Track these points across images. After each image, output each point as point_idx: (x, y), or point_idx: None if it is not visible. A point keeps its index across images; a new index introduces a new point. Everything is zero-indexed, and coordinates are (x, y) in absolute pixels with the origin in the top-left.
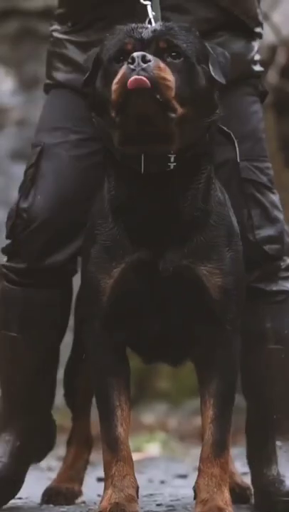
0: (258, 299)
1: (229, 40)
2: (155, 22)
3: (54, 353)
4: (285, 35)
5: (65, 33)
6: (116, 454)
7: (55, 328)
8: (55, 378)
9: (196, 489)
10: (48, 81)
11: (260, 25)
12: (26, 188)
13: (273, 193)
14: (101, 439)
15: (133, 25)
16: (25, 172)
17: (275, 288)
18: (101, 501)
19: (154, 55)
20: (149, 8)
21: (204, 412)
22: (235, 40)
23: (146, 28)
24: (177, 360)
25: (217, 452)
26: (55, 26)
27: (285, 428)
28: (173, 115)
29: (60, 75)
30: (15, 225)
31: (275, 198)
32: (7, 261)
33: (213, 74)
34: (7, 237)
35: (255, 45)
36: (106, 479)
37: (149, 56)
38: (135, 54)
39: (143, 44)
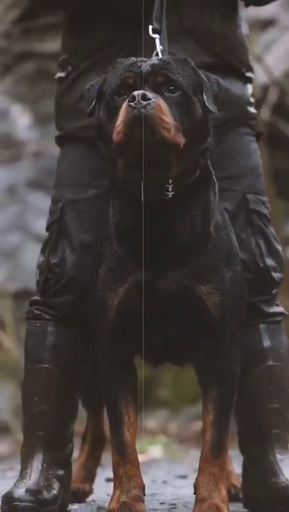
0: (258, 319)
1: (228, 83)
2: (162, 55)
3: (78, 387)
4: (277, 76)
5: (66, 78)
6: (124, 457)
7: (82, 362)
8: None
9: (195, 486)
10: (59, 132)
11: (251, 70)
12: (54, 243)
13: (271, 225)
14: (110, 443)
15: (133, 59)
16: (49, 227)
17: (273, 310)
18: (110, 501)
19: (153, 89)
20: (157, 41)
21: (205, 416)
22: (233, 83)
23: (145, 61)
24: (182, 363)
25: (216, 453)
26: (59, 74)
27: (284, 442)
28: (174, 149)
29: (68, 125)
30: (48, 279)
31: (273, 230)
32: (41, 303)
33: (207, 104)
34: (39, 292)
35: (250, 88)
36: (114, 480)
37: (149, 95)
38: (136, 93)
39: (142, 78)
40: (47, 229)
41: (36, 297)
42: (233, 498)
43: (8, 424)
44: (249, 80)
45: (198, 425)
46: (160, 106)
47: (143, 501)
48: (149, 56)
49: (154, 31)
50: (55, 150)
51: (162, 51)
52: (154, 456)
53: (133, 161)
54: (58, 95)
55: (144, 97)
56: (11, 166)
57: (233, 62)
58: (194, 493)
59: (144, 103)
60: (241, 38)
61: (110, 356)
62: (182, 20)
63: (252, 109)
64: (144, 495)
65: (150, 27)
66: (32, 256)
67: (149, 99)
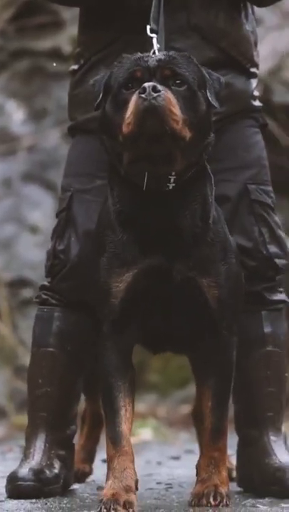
0: (260, 306)
1: (232, 78)
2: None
3: (83, 371)
4: (261, 74)
5: (78, 70)
6: (118, 449)
7: (87, 348)
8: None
9: (197, 468)
10: (71, 123)
11: (255, 65)
12: (61, 230)
13: (275, 214)
14: (106, 434)
15: (139, 54)
16: (58, 215)
17: (275, 297)
18: (103, 491)
19: (160, 82)
20: (154, 40)
21: (204, 402)
22: (236, 78)
23: (152, 57)
24: (181, 351)
25: (216, 438)
26: (72, 66)
27: (278, 424)
28: (181, 142)
29: (79, 116)
30: (53, 265)
31: (277, 218)
32: (48, 288)
33: (210, 99)
34: (46, 276)
35: (254, 82)
36: (108, 471)
37: (159, 87)
38: (146, 84)
39: (150, 72)
40: (56, 216)
41: (45, 282)
42: None
43: (4, 408)
44: (253, 75)
45: (186, 409)
46: (170, 98)
47: (134, 492)
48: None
49: (152, 31)
50: (49, 144)
51: (159, 50)
52: (145, 438)
53: (140, 154)
54: (70, 87)
55: (154, 89)
56: (6, 160)
57: (238, 58)
58: (196, 475)
59: (155, 95)
60: (246, 33)
61: (112, 345)
62: (188, 17)
63: (256, 103)
64: (137, 488)
65: (148, 27)
66: (27, 246)
67: (159, 91)
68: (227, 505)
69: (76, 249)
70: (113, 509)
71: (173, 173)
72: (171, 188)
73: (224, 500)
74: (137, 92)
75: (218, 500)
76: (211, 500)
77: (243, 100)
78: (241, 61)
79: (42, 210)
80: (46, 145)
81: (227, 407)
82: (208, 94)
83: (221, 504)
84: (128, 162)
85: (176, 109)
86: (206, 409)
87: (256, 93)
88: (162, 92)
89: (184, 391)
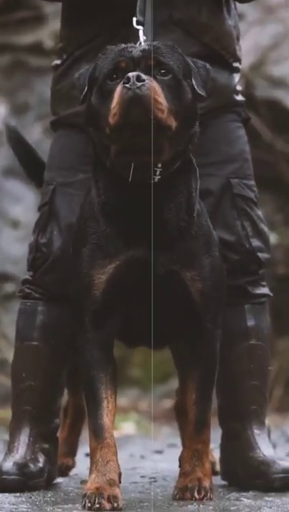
0: (243, 300)
1: (215, 72)
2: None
3: (66, 364)
4: (243, 69)
5: (61, 65)
6: (101, 442)
7: (71, 341)
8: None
9: (180, 460)
10: (53, 117)
11: (238, 60)
12: (43, 224)
13: (258, 208)
14: (88, 427)
15: (123, 45)
16: (40, 208)
17: (258, 291)
18: (86, 485)
19: (145, 72)
20: (140, 32)
21: (187, 395)
22: (219, 73)
23: (136, 47)
24: (159, 346)
25: (199, 430)
26: (55, 61)
27: (262, 418)
28: (167, 132)
29: (62, 111)
30: (36, 258)
31: (260, 212)
32: (31, 282)
33: (196, 87)
34: (28, 270)
35: (236, 77)
36: (91, 464)
37: (144, 76)
38: (130, 74)
39: (134, 62)
40: (38, 210)
41: (27, 276)
42: None
43: None
44: (236, 70)
45: (167, 403)
46: (154, 87)
47: (118, 486)
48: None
49: (138, 23)
50: (31, 139)
51: (145, 42)
52: (128, 432)
53: (127, 146)
54: (53, 82)
55: (138, 78)
56: None
57: (220, 52)
58: (179, 467)
59: (139, 84)
60: (229, 28)
61: (93, 338)
62: (171, 12)
63: (239, 97)
64: (120, 481)
65: (134, 19)
66: (8, 241)
67: (144, 81)
68: (211, 498)
69: (59, 243)
70: (98, 503)
71: (159, 165)
72: (156, 180)
73: (208, 495)
74: (122, 82)
75: (202, 494)
76: (196, 494)
77: (226, 95)
78: (224, 56)
79: (23, 205)
80: (28, 140)
81: (211, 399)
82: (194, 82)
83: (205, 498)
84: (115, 154)
85: (161, 98)
86: (189, 402)
87: (239, 87)
88: (147, 81)
89: (166, 386)
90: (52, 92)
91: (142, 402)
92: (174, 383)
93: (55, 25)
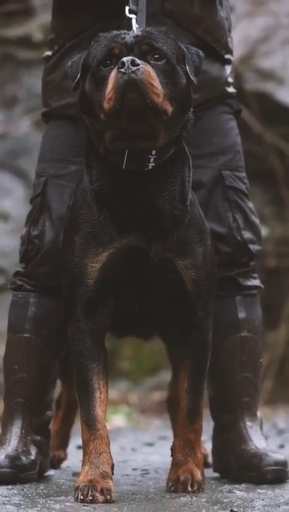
0: (235, 292)
1: (207, 64)
2: None
3: (59, 356)
4: (233, 61)
5: (52, 56)
6: (94, 433)
7: (63, 333)
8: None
9: (172, 450)
10: (44, 109)
11: (230, 52)
12: (36, 216)
13: (249, 200)
14: (80, 419)
15: (115, 32)
16: (32, 200)
17: (249, 283)
18: (78, 477)
19: (138, 57)
20: (133, 20)
21: (179, 384)
22: (211, 65)
23: (129, 33)
24: (148, 336)
25: (192, 419)
26: (46, 53)
27: (254, 410)
28: (163, 116)
29: (53, 102)
30: (28, 250)
31: (251, 204)
32: (23, 274)
33: (189, 73)
34: (21, 262)
35: (228, 68)
36: (84, 455)
37: (138, 61)
38: (125, 58)
39: (128, 48)
40: (31, 202)
41: (19, 268)
42: None
43: None
44: (227, 62)
45: (157, 396)
46: (149, 71)
47: (111, 478)
48: None
49: (131, 12)
50: (20, 132)
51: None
52: (118, 425)
53: (122, 131)
54: (44, 73)
55: (133, 63)
56: None
57: (212, 44)
58: (171, 456)
59: (134, 68)
60: (221, 20)
61: (85, 327)
62: (163, 3)
63: (230, 89)
64: (113, 473)
65: (126, 8)
66: None
67: (138, 65)
68: (203, 489)
69: (51, 235)
70: (91, 496)
71: (153, 152)
72: (150, 167)
73: (201, 487)
74: (116, 67)
75: (195, 487)
76: (189, 487)
77: (218, 87)
78: (216, 47)
79: (13, 198)
80: (17, 133)
81: (203, 388)
82: (188, 68)
83: (197, 491)
84: (109, 140)
85: (156, 82)
86: (182, 391)
87: (230, 79)
88: (141, 65)
89: (155, 378)
90: (43, 83)
91: (132, 394)
92: (164, 376)
93: (43, 18)
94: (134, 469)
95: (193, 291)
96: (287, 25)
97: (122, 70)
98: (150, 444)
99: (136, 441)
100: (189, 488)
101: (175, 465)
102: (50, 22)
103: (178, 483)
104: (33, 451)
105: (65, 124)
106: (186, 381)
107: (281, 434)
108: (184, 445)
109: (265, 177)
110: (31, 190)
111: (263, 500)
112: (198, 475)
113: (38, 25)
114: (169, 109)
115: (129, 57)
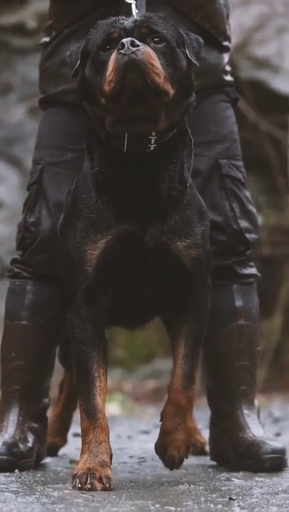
0: (231, 280)
1: (205, 52)
2: None
3: (56, 343)
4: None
5: (50, 43)
6: (94, 422)
7: (61, 320)
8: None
9: (162, 415)
10: (41, 95)
11: (228, 39)
12: (32, 203)
13: (246, 188)
14: (79, 407)
15: (114, 18)
16: (29, 187)
17: (246, 271)
18: (77, 465)
19: (138, 40)
20: (133, 6)
21: (176, 350)
22: (209, 52)
23: (127, 19)
24: (137, 326)
25: (186, 385)
26: (44, 39)
27: (251, 398)
28: (164, 98)
29: (50, 89)
30: (24, 237)
31: (248, 193)
32: (19, 261)
33: (189, 56)
34: (17, 249)
35: (226, 56)
36: (83, 444)
37: (138, 42)
38: (124, 40)
39: (127, 32)
40: (27, 189)
41: (16, 256)
42: (198, 452)
43: None
44: (226, 49)
45: (151, 384)
46: (149, 52)
47: (110, 468)
48: None
49: None
50: (14, 119)
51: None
52: (113, 413)
53: (123, 114)
54: (42, 59)
55: (132, 44)
56: None
57: (211, 31)
58: (160, 421)
59: (134, 49)
60: (219, 7)
61: (86, 315)
62: None
63: (228, 77)
64: (111, 463)
65: None
66: None
67: (138, 45)
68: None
69: (47, 222)
70: (89, 483)
71: (153, 133)
72: (152, 149)
73: (182, 463)
74: (116, 49)
75: (178, 467)
76: (171, 466)
77: (216, 74)
78: (214, 34)
79: (7, 186)
80: (11, 121)
81: (199, 355)
82: (188, 51)
83: (186, 456)
84: (110, 124)
85: (157, 62)
86: (178, 356)
87: (228, 68)
88: (141, 46)
89: (149, 366)
90: (40, 70)
91: (125, 382)
92: (158, 364)
93: (37, 5)
94: (130, 457)
95: (193, 268)
96: (282, 14)
97: (122, 51)
98: (146, 432)
99: (131, 429)
100: (172, 467)
101: (164, 430)
102: (48, 8)
103: (164, 456)
104: (31, 438)
105: (62, 110)
106: (183, 347)
107: (277, 422)
108: (176, 412)
109: (259, 165)
110: (26, 178)
111: (261, 488)
112: (184, 447)
113: (32, 12)
114: (170, 90)
115: (129, 39)
